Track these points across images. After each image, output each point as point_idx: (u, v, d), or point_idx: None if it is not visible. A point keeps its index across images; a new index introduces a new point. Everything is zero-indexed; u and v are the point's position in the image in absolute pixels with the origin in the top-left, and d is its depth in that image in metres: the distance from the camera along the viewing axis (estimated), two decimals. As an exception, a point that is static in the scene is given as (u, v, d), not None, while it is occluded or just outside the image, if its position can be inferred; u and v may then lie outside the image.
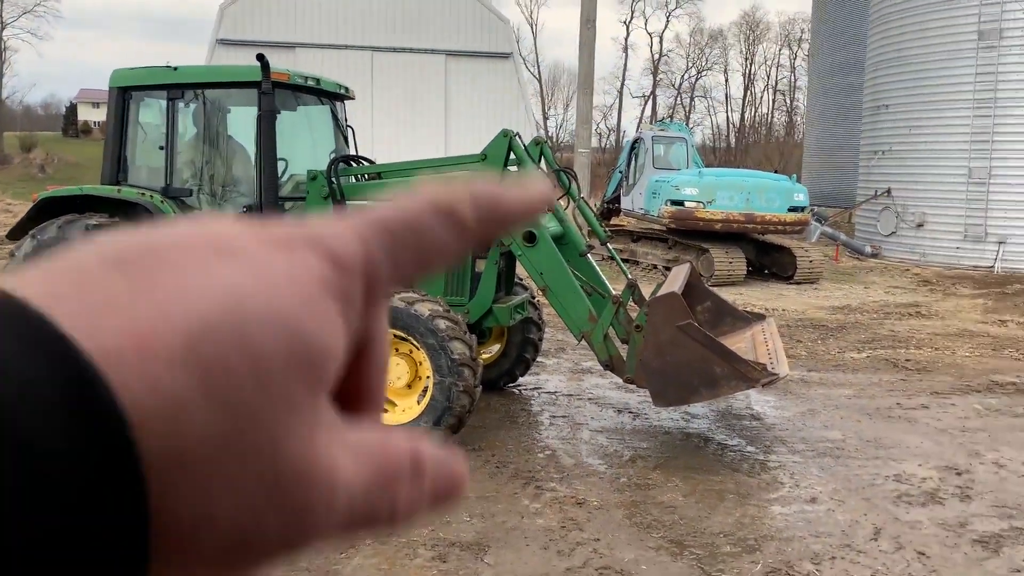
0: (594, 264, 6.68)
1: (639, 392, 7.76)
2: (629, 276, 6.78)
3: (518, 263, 7.17)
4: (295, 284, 0.31)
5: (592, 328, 6.10)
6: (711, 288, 7.59)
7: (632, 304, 6.51)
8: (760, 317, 7.27)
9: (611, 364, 6.15)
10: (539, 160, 6.72)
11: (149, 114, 6.76)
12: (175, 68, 6.48)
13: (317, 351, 0.31)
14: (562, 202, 6.75)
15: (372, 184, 6.64)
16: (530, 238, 6.10)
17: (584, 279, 6.45)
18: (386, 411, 5.98)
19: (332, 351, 0.32)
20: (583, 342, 6.21)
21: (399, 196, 0.36)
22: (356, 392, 0.36)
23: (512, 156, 6.24)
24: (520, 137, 6.32)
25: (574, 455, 6.04)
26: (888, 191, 20.65)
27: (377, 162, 7.00)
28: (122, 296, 0.28)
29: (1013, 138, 18.31)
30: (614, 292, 6.35)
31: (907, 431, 6.84)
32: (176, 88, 6.43)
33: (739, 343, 6.60)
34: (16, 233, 6.65)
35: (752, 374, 5.55)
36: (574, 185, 7.11)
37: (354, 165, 6.85)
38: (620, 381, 8.17)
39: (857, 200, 22.78)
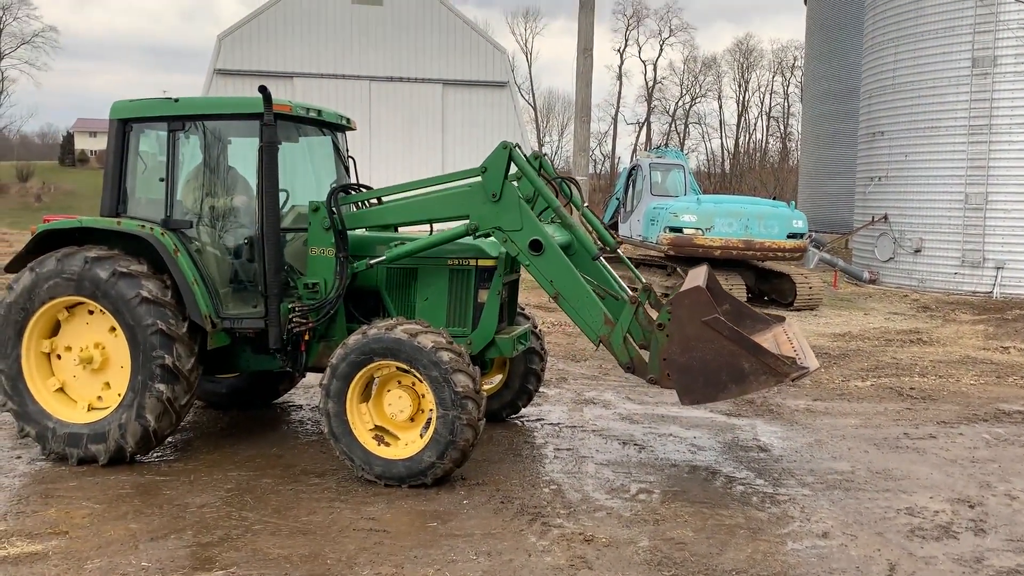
0: (605, 269, 6.53)
1: (644, 423, 7.68)
2: (643, 280, 6.65)
3: (519, 292, 7.11)
4: None
5: (610, 332, 5.97)
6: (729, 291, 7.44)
7: (647, 307, 6.34)
8: (780, 319, 7.11)
9: (632, 366, 5.97)
10: (538, 171, 6.63)
11: (149, 145, 6.71)
12: (176, 100, 6.44)
13: None
14: (566, 211, 6.64)
15: (374, 210, 6.57)
16: (536, 247, 6.02)
17: (596, 283, 6.34)
18: (388, 445, 5.88)
19: None
20: (601, 347, 6.06)
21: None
22: None
23: (513, 169, 6.16)
24: (520, 148, 6.26)
25: (580, 489, 5.93)
26: (885, 217, 20.68)
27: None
28: None
29: (1009, 164, 18.38)
30: (631, 293, 6.21)
31: (916, 462, 6.76)
32: (177, 120, 6.37)
33: (763, 342, 6.45)
34: (15, 265, 6.56)
35: (781, 368, 5.40)
36: (575, 193, 6.98)
37: (353, 193, 6.77)
38: (624, 412, 8.09)
39: (854, 226, 22.81)
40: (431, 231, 6.51)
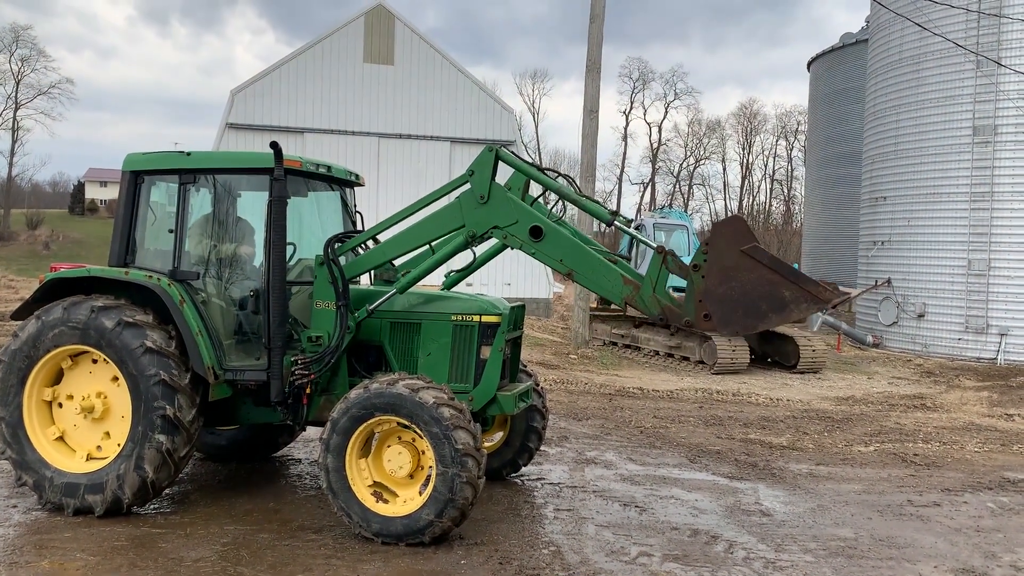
0: (627, 231, 6.39)
1: (646, 484, 7.61)
2: (663, 245, 6.63)
3: (521, 349, 7.09)
4: None
5: (634, 292, 5.90)
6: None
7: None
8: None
9: (664, 316, 5.87)
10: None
11: (160, 197, 6.79)
12: (188, 153, 6.55)
13: None
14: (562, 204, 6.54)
15: (373, 251, 6.56)
16: (536, 233, 6.01)
17: (606, 251, 6.27)
18: (387, 501, 5.83)
19: None
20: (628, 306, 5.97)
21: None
22: None
23: (503, 179, 6.18)
24: (508, 147, 6.32)
25: (579, 551, 5.86)
26: (888, 281, 20.75)
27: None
28: None
29: (1011, 231, 18.51)
30: (656, 246, 6.08)
31: (920, 530, 6.67)
32: (188, 173, 6.48)
33: None
34: (21, 313, 6.62)
35: (823, 294, 5.33)
36: (564, 183, 6.87)
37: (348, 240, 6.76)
38: (625, 473, 8.03)
39: (858, 289, 22.85)
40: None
